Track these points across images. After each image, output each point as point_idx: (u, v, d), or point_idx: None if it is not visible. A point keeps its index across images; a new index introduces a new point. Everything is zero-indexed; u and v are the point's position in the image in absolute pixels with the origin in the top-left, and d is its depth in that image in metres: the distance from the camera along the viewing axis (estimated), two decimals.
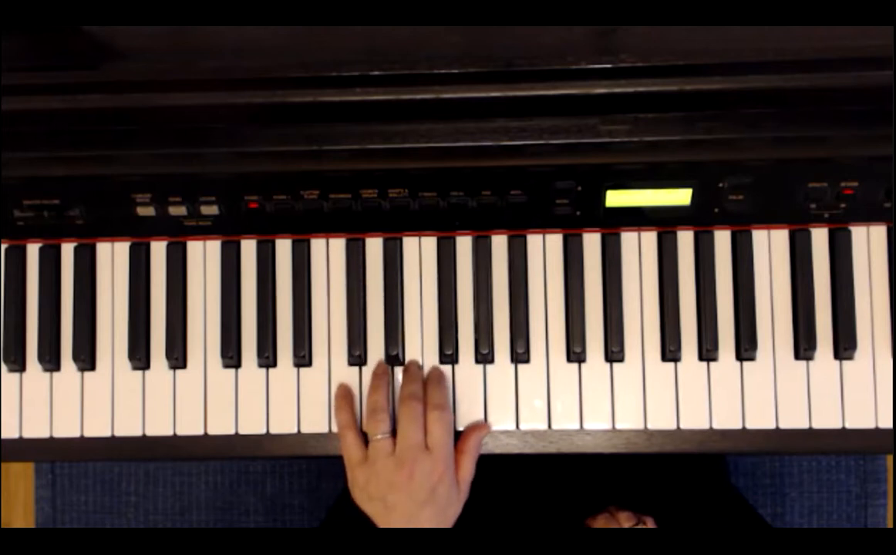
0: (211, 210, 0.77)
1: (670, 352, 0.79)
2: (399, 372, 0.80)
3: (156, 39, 0.72)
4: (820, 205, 0.77)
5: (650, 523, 0.81)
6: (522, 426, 0.80)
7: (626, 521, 0.81)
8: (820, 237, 0.79)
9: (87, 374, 0.81)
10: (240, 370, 0.81)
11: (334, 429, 0.80)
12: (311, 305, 0.81)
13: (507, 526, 0.92)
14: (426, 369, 0.80)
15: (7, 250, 0.81)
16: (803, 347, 0.78)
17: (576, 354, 0.79)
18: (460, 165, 0.73)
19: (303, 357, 0.80)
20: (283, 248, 0.81)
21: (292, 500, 1.17)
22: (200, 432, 0.80)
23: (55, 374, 0.81)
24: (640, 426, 0.79)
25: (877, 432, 0.78)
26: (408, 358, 0.80)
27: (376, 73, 0.69)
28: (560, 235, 0.80)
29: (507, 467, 0.90)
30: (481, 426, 0.79)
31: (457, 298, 0.81)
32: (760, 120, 0.70)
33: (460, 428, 0.79)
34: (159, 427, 0.80)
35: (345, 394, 0.79)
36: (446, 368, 0.80)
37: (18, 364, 0.81)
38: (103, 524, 1.17)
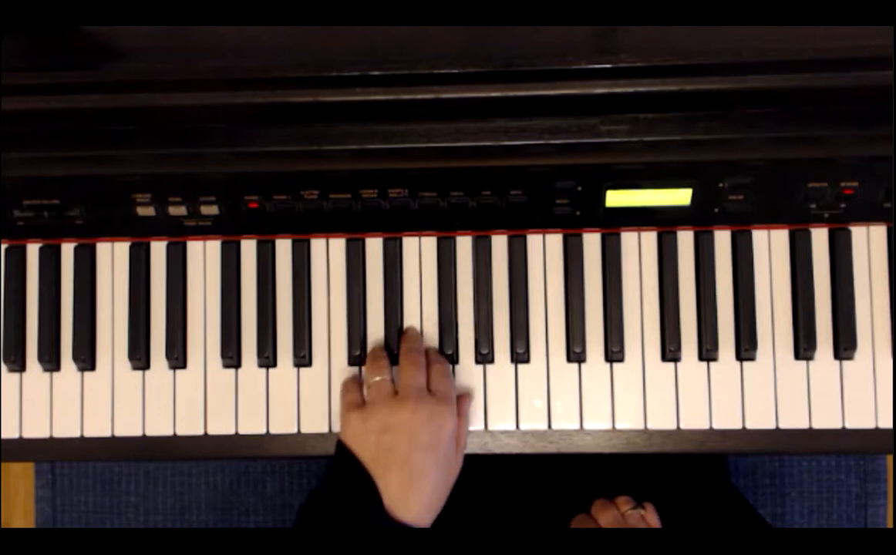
0: (211, 210, 0.77)
1: (670, 352, 0.79)
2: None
3: (156, 39, 0.72)
4: (820, 205, 0.77)
5: (650, 509, 0.80)
6: (522, 426, 0.80)
7: (624, 504, 0.80)
8: (820, 237, 0.79)
9: (87, 374, 0.81)
10: (240, 370, 0.81)
11: (335, 429, 0.80)
12: (311, 305, 0.81)
13: (504, 523, 0.91)
14: None
15: (7, 250, 0.81)
16: (803, 347, 0.78)
17: (576, 354, 0.79)
18: (460, 165, 0.73)
19: (303, 357, 0.80)
20: (283, 248, 0.81)
21: (292, 500, 1.17)
22: (200, 432, 0.80)
23: (55, 374, 0.81)
24: (640, 426, 0.79)
25: (877, 432, 0.78)
26: None
27: (376, 73, 0.69)
28: (560, 235, 0.80)
29: (505, 465, 0.90)
30: (466, 393, 0.79)
31: (457, 298, 0.81)
32: (760, 120, 0.70)
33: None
34: (159, 427, 0.80)
35: (353, 379, 0.79)
36: None
37: (18, 364, 0.81)
38: (103, 524, 1.17)
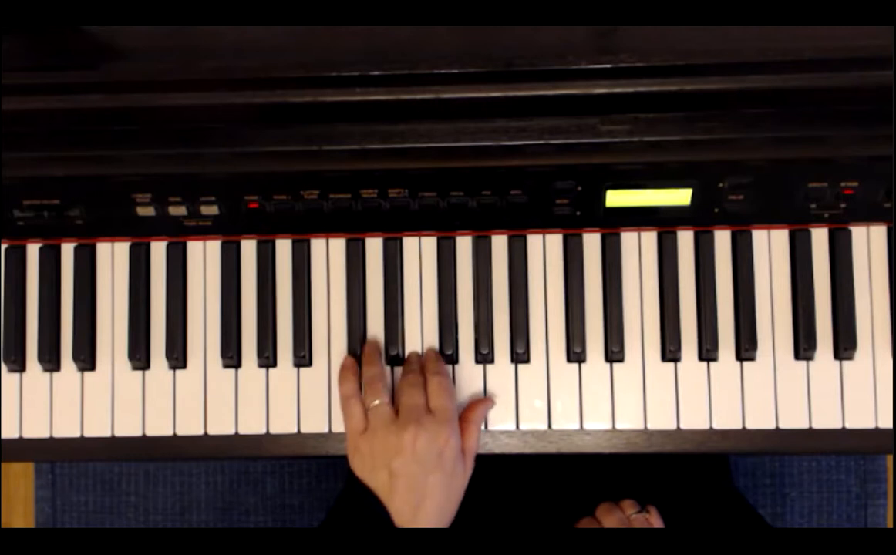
0: (211, 210, 0.77)
1: (670, 352, 0.79)
2: (399, 377, 0.80)
3: (156, 39, 0.72)
4: (820, 205, 0.77)
5: (653, 512, 0.80)
6: (522, 426, 0.80)
7: (629, 508, 0.80)
8: (820, 237, 0.79)
9: (87, 374, 0.81)
10: (240, 370, 0.81)
11: (335, 429, 0.80)
12: (311, 305, 0.81)
13: (508, 526, 0.91)
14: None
15: (7, 250, 0.81)
16: (803, 347, 0.78)
17: (576, 354, 0.79)
18: (460, 165, 0.73)
19: (303, 357, 0.80)
20: (283, 248, 0.81)
21: (292, 500, 1.17)
22: (200, 432, 0.80)
23: (55, 374, 0.81)
24: (640, 426, 0.79)
25: (877, 432, 0.78)
26: None
27: (376, 73, 0.69)
28: (560, 235, 0.80)
29: (506, 467, 0.90)
30: (486, 400, 0.79)
31: (457, 298, 0.81)
32: (760, 120, 0.70)
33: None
34: (159, 427, 0.80)
35: (350, 365, 0.79)
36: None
37: (18, 364, 0.81)
38: (103, 524, 1.17)
